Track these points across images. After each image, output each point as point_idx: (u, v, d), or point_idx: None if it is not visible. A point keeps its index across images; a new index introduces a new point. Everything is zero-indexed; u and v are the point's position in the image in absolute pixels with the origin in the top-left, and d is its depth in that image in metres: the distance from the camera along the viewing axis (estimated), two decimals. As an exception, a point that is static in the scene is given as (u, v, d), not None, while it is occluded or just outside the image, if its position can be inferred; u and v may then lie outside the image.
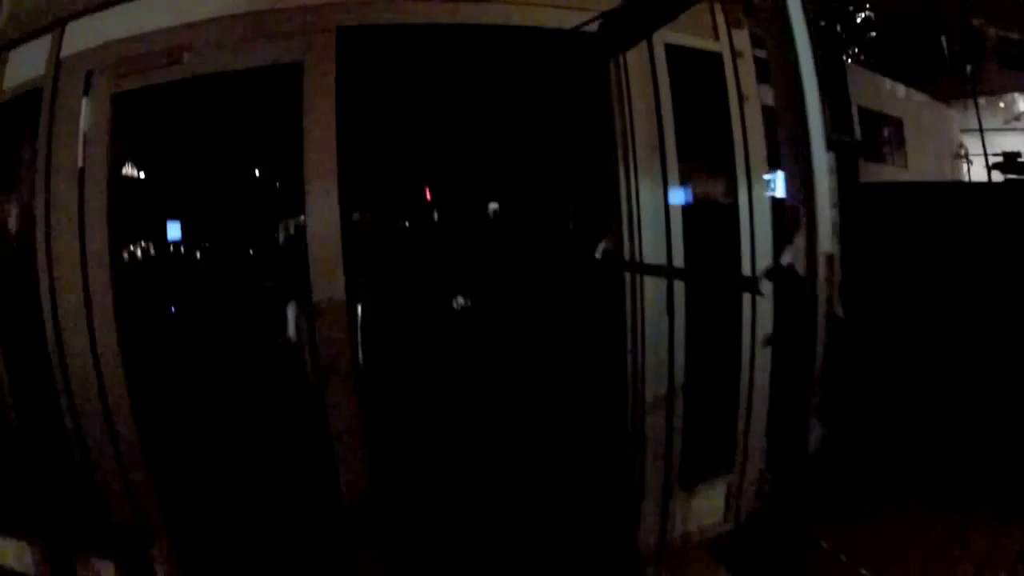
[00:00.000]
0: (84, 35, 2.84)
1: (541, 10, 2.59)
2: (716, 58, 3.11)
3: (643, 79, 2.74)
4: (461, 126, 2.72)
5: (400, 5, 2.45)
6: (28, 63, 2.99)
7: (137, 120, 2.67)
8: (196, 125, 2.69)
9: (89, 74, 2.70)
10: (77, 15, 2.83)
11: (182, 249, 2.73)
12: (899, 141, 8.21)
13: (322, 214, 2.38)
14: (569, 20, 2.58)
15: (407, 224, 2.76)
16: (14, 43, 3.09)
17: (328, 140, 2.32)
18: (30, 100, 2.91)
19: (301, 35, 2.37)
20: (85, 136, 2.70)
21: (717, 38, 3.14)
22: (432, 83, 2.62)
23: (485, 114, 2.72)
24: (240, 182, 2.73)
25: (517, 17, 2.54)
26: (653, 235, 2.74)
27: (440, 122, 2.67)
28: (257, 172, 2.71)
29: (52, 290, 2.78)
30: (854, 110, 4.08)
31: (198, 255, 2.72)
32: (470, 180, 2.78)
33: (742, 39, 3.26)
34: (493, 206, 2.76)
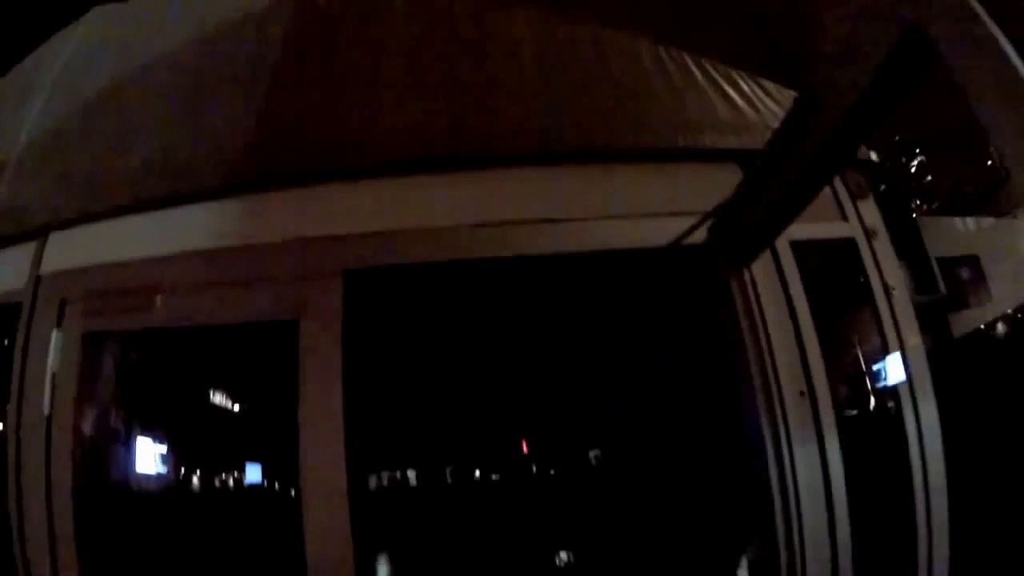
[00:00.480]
0: (66, 249, 2.46)
1: (615, 225, 1.91)
2: (849, 246, 2.31)
3: (773, 294, 1.97)
4: (534, 382, 1.98)
5: (428, 237, 1.81)
6: (13, 269, 2.67)
7: (108, 362, 2.16)
8: (172, 373, 2.14)
9: (63, 304, 2.26)
10: (61, 226, 2.46)
11: (157, 519, 2.14)
12: (979, 278, 7.33)
13: (326, 536, 1.72)
14: (654, 233, 1.90)
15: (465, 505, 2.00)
16: (6, 241, 2.79)
17: (333, 441, 1.68)
18: (10, 313, 2.57)
19: (296, 282, 1.79)
20: (54, 377, 2.26)
21: (845, 218, 2.35)
22: (481, 338, 1.92)
23: (565, 361, 1.99)
24: (227, 452, 2.12)
25: (590, 239, 1.88)
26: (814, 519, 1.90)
27: (501, 386, 1.95)
28: (244, 449, 2.09)
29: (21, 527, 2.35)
30: (934, 266, 3.56)
31: (173, 528, 2.12)
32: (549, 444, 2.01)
33: (871, 212, 2.46)
34: (592, 455, 1.98)
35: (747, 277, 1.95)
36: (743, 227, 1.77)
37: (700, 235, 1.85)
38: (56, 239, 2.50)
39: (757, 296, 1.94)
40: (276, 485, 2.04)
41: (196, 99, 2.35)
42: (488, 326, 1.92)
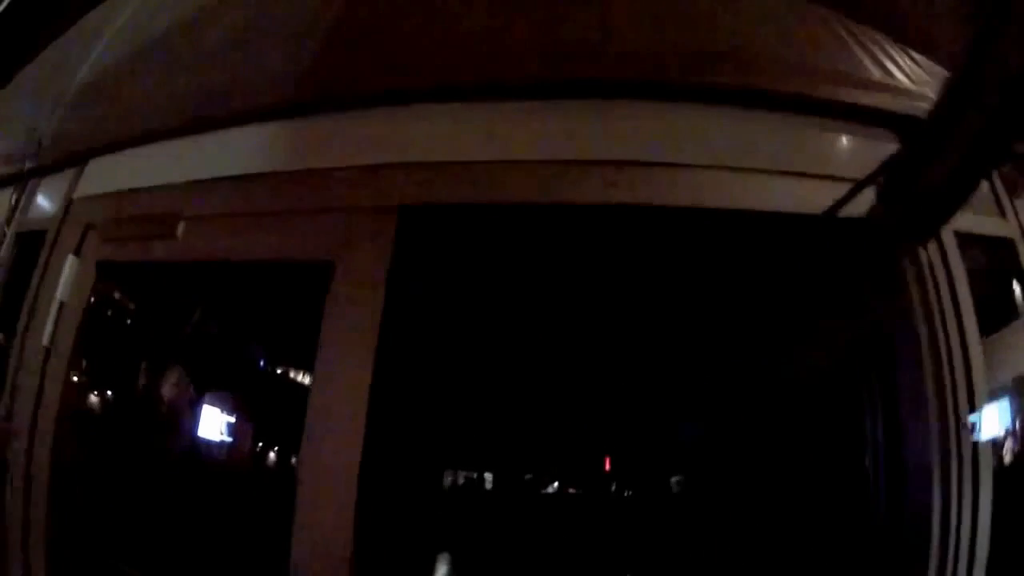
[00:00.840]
0: (102, 174, 2.27)
1: (749, 180, 1.48)
2: (1006, 245, 1.86)
3: (943, 291, 1.50)
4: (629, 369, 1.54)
5: (507, 172, 1.43)
6: (52, 196, 2.54)
7: (121, 295, 1.91)
8: (185, 314, 1.85)
9: (87, 230, 2.05)
10: (101, 151, 2.28)
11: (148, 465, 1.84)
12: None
13: (319, 545, 1.31)
14: (798, 196, 1.47)
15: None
16: (47, 169, 2.68)
17: (349, 418, 1.27)
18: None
19: (338, 215, 1.47)
20: (62, 306, 2.04)
21: (1003, 215, 1.92)
22: (562, 307, 1.49)
23: (676, 349, 1.55)
24: (230, 410, 1.79)
25: (719, 194, 1.46)
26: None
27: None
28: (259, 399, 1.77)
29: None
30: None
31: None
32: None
33: (1025, 213, 2.02)
34: (675, 479, 1.55)
35: (923, 262, 1.47)
36: (920, 193, 1.32)
37: (860, 205, 1.39)
38: (95, 165, 2.32)
39: (935, 288, 1.47)
40: (272, 464, 1.69)
41: (252, 27, 2.15)
42: (573, 290, 1.51)
